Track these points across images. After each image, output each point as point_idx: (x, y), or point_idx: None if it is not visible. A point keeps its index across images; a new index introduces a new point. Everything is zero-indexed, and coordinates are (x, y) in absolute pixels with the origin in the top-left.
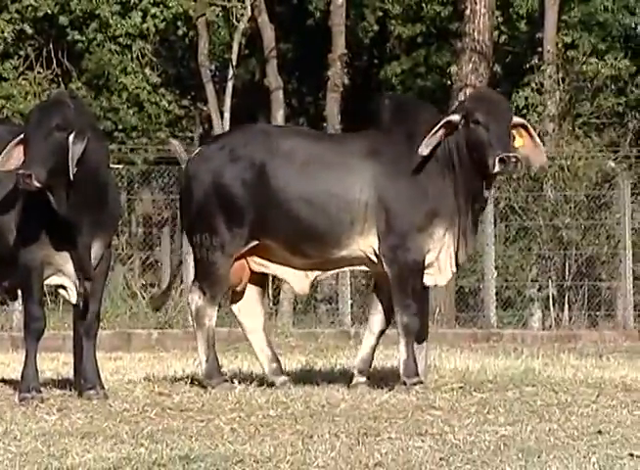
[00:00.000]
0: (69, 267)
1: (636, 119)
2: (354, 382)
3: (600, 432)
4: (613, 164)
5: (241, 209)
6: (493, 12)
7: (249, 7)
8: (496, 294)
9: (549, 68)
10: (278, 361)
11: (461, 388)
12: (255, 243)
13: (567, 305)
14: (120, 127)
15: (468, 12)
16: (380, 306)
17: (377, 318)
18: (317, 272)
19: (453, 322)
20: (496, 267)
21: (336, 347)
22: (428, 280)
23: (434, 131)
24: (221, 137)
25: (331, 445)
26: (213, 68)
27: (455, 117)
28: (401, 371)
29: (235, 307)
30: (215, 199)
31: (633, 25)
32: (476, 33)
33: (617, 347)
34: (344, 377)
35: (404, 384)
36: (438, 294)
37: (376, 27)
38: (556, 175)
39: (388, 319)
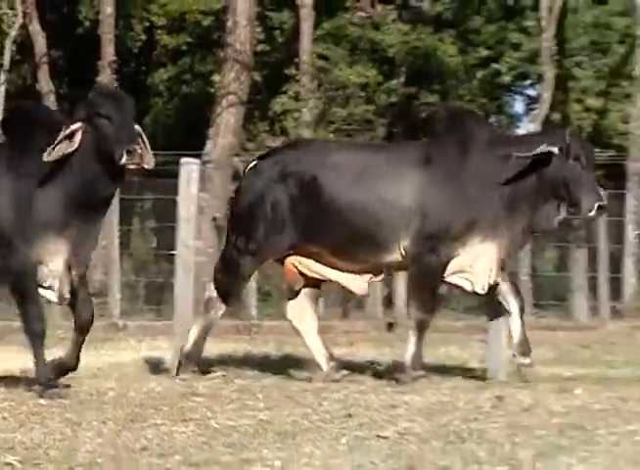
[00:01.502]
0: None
1: (383, 126)
2: (520, 364)
3: (350, 415)
4: None
5: (283, 219)
6: (253, 24)
7: (20, 14)
8: (257, 288)
9: (304, 77)
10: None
11: (223, 376)
12: (294, 250)
13: (322, 298)
14: None
15: (229, 24)
16: (504, 289)
17: (509, 302)
18: (368, 275)
19: None
20: None
21: (105, 339)
22: (465, 284)
23: (531, 155)
24: (276, 151)
25: (98, 431)
26: None
27: (555, 150)
28: (408, 362)
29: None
30: (260, 209)
31: (378, 39)
32: (237, 44)
33: (366, 337)
34: (113, 367)
35: (404, 375)
36: (202, 287)
37: (143, 37)
38: None
39: (521, 298)
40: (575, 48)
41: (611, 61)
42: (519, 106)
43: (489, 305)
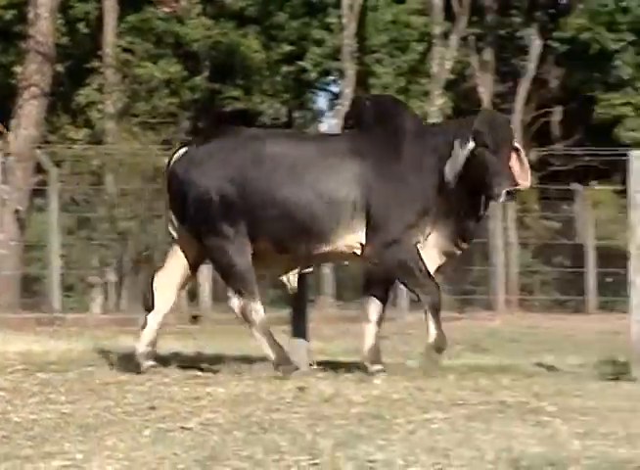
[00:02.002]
0: None
1: (188, 119)
2: (371, 372)
3: (153, 407)
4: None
5: (239, 212)
6: (55, 16)
7: None
8: (60, 280)
9: (108, 70)
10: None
11: (25, 369)
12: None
13: (125, 291)
14: None
15: (31, 16)
16: (371, 297)
17: (368, 310)
18: (299, 268)
19: (18, 307)
20: (61, 256)
21: None
22: None
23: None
24: (209, 140)
25: None
26: None
27: (472, 145)
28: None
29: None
30: (218, 204)
31: (182, 33)
32: (39, 36)
33: (170, 329)
34: None
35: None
36: (2, 280)
37: None
38: (115, 170)
39: (383, 307)
40: (376, 45)
41: (410, 58)
42: (322, 102)
43: (293, 297)
